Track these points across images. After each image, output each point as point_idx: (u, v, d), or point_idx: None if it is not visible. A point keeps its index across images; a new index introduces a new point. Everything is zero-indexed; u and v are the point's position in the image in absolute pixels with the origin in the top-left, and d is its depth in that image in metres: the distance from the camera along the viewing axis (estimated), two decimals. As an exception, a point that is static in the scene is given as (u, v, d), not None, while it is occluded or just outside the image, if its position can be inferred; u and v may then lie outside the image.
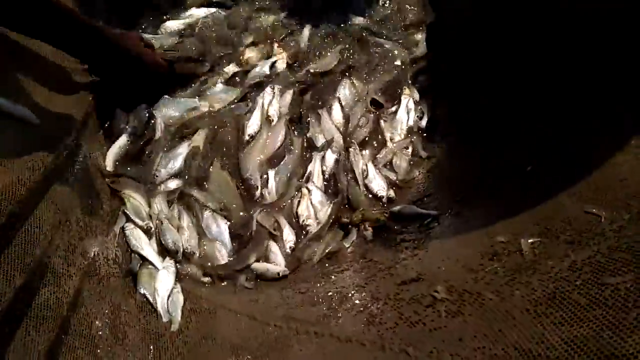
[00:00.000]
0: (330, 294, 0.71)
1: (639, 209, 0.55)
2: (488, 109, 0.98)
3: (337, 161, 1.02)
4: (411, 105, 1.12)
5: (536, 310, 0.48)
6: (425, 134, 1.09)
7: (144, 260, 0.83)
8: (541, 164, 0.78)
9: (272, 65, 1.15)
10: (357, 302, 0.67)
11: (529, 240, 0.61)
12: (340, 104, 1.10)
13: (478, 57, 1.03)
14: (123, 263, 0.81)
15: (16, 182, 0.63)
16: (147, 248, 0.84)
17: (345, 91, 1.13)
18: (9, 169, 0.65)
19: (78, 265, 0.70)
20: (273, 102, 1.07)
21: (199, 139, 1.02)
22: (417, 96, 1.15)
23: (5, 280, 0.56)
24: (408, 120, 1.10)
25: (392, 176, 1.03)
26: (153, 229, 0.86)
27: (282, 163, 1.01)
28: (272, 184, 0.98)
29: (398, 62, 1.21)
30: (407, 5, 1.29)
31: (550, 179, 0.74)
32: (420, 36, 1.24)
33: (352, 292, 0.69)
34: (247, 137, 1.02)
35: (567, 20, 0.77)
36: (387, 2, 1.31)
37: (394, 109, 1.13)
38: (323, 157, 1.02)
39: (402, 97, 1.13)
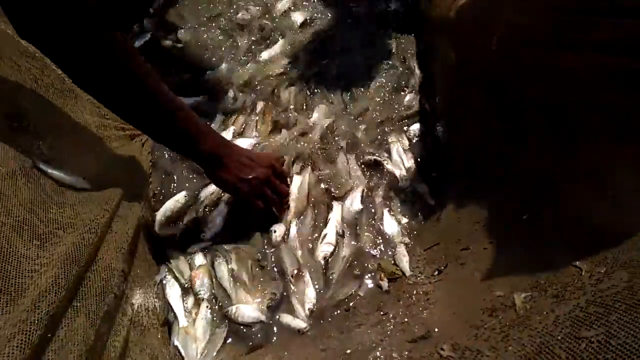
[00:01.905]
0: (349, 352, 0.79)
1: (613, 263, 0.63)
2: (490, 153, 1.07)
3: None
4: (401, 151, 1.22)
5: (524, 366, 0.55)
6: (429, 181, 1.18)
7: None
8: (536, 214, 0.86)
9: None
10: (373, 360, 0.75)
11: (522, 295, 0.68)
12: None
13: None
14: (161, 314, 0.90)
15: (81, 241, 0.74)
16: (177, 303, 0.93)
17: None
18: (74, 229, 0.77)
19: (128, 315, 0.79)
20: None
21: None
22: (406, 142, 1.25)
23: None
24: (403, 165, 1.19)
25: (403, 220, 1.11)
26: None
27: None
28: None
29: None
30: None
31: (543, 230, 0.82)
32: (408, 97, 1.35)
33: (369, 350, 0.77)
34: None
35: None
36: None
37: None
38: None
39: (391, 145, 1.24)
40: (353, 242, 1.06)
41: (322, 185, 1.17)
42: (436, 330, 0.74)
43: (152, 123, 0.88)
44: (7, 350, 0.52)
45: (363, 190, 1.14)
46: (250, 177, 0.96)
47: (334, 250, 1.04)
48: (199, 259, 1.00)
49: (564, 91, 0.86)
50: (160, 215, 1.08)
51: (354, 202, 1.11)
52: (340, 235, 1.06)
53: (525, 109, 0.95)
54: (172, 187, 1.17)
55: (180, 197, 1.11)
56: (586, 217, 0.76)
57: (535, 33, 0.87)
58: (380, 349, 0.75)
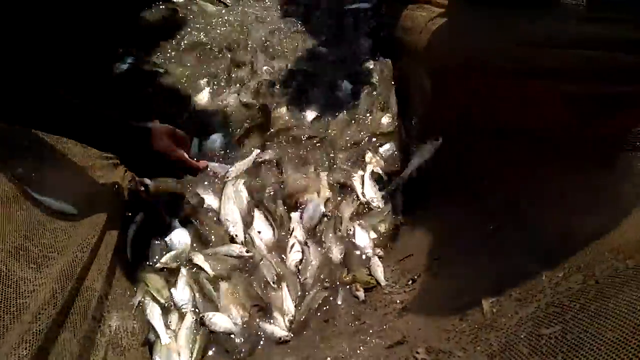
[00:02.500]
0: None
1: (570, 268, 0.69)
2: (460, 171, 1.14)
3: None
4: (377, 169, 1.28)
5: (491, 362, 0.61)
6: (403, 198, 1.24)
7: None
8: (502, 225, 0.93)
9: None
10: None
11: (489, 300, 0.74)
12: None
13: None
14: (140, 334, 0.90)
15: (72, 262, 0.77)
16: (158, 322, 0.93)
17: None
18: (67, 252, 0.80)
19: (106, 337, 0.80)
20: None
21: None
22: (381, 162, 1.31)
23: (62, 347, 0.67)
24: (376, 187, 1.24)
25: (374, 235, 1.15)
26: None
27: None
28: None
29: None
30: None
31: (506, 241, 0.88)
32: (385, 118, 1.42)
33: (349, 357, 0.81)
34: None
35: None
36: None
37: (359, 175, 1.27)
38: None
39: (367, 164, 1.29)
40: (319, 249, 1.11)
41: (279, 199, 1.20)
42: (411, 335, 0.78)
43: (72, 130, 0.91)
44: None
45: (327, 200, 1.19)
46: (161, 158, 0.99)
47: (302, 257, 1.08)
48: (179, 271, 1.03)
49: (523, 115, 0.94)
50: (129, 240, 1.07)
51: (315, 211, 1.16)
52: (305, 244, 1.11)
53: (489, 132, 1.03)
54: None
55: (138, 219, 1.12)
56: (545, 228, 0.83)
57: (496, 62, 0.95)
58: (359, 356, 0.79)
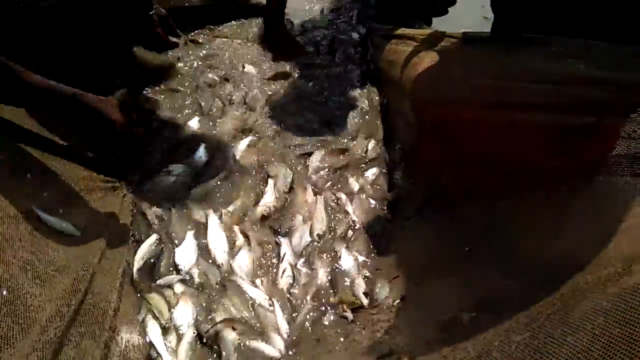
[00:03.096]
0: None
1: (539, 282, 0.77)
2: (439, 197, 1.23)
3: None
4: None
5: (469, 367, 0.67)
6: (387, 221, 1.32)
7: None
8: (478, 246, 1.01)
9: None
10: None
11: (468, 315, 0.81)
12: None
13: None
14: (144, 350, 0.95)
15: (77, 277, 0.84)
16: (159, 341, 0.97)
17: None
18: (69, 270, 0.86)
19: (120, 347, 0.87)
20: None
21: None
22: (366, 186, 1.37)
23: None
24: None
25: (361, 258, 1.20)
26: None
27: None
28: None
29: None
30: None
31: (484, 260, 0.96)
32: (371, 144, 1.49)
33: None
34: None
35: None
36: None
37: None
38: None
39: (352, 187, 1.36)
40: (308, 271, 1.16)
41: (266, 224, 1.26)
42: (397, 347, 0.85)
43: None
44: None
45: (311, 225, 1.25)
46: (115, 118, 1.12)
47: (294, 281, 1.13)
48: (178, 287, 1.08)
49: (496, 144, 1.04)
50: (137, 260, 1.12)
51: (303, 236, 1.22)
52: (295, 267, 1.16)
53: (466, 161, 1.12)
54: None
55: (152, 240, 1.18)
56: (516, 249, 0.92)
57: (470, 96, 1.05)
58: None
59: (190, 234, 1.18)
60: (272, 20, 1.64)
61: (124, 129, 1.14)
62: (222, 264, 1.15)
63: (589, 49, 0.96)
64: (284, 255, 1.17)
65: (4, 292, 0.71)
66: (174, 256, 1.14)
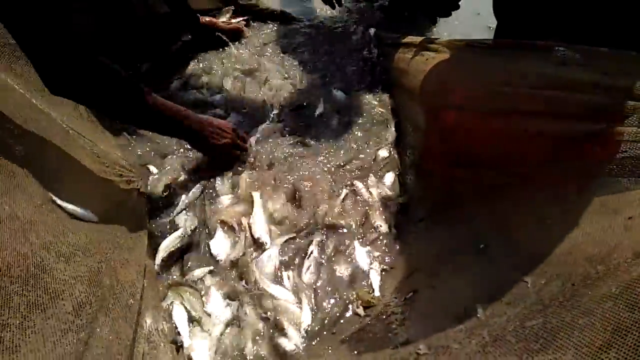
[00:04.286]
0: None
1: (550, 275, 0.80)
2: (451, 198, 1.26)
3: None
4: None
5: (484, 350, 0.70)
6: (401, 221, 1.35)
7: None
8: (491, 244, 1.04)
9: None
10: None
11: (482, 305, 0.85)
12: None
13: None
14: (169, 334, 0.99)
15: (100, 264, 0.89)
16: (184, 328, 1.02)
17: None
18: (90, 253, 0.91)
19: (145, 330, 0.91)
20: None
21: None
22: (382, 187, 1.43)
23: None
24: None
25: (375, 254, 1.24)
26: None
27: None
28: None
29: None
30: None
31: (497, 256, 1.00)
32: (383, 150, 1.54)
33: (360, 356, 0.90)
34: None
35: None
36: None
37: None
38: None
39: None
40: (329, 269, 1.20)
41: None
42: (412, 337, 0.88)
43: (144, 118, 1.22)
44: (64, 341, 0.63)
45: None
46: (225, 140, 1.37)
47: (318, 276, 1.18)
48: (208, 279, 1.13)
49: (504, 149, 1.09)
50: (160, 253, 1.17)
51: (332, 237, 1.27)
52: (321, 264, 1.21)
53: (475, 163, 1.16)
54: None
55: (178, 234, 1.22)
56: (528, 245, 0.95)
57: (480, 102, 1.10)
58: (367, 356, 0.88)
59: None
60: None
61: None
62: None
63: (594, 55, 1.00)
64: (310, 253, 1.22)
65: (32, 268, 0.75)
66: (207, 246, 1.20)
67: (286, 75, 1.83)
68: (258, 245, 1.22)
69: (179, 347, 0.98)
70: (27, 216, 0.83)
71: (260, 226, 1.25)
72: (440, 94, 1.28)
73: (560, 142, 1.01)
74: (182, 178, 1.39)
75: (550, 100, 1.03)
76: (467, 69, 1.23)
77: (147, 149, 1.49)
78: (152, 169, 1.42)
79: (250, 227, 1.25)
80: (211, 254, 1.20)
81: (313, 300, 1.12)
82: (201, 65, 1.85)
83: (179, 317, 1.02)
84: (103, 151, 1.25)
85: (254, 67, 1.84)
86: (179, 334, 1.00)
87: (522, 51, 1.11)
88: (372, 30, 1.99)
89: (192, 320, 1.04)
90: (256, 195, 1.33)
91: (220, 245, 1.21)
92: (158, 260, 1.16)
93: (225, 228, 1.26)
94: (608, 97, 0.95)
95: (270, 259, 1.19)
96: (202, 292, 1.10)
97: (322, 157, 1.50)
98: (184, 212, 1.29)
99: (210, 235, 1.24)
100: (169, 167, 1.42)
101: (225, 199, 1.34)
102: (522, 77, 1.07)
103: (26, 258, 0.75)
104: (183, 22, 1.81)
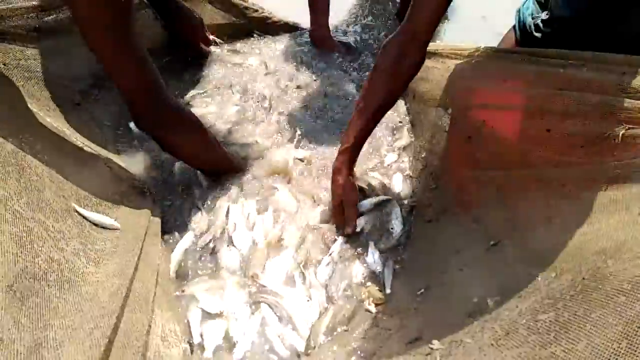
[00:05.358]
0: (353, 358, 0.93)
1: (560, 269, 0.82)
2: (462, 198, 1.28)
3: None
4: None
5: (497, 344, 0.72)
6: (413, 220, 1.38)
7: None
8: (502, 241, 1.06)
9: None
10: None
11: (493, 299, 0.86)
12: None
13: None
14: (181, 335, 1.00)
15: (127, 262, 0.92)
16: (196, 329, 1.03)
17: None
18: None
19: (159, 327, 0.93)
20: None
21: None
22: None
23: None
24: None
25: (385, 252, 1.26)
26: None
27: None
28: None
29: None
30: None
31: (508, 253, 1.01)
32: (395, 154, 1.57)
33: (371, 354, 0.91)
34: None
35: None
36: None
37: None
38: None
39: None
40: (343, 267, 1.22)
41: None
42: (426, 332, 0.89)
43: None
44: (95, 334, 0.66)
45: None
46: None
47: (332, 273, 1.20)
48: (226, 276, 1.15)
49: (517, 149, 1.10)
50: (174, 259, 1.19)
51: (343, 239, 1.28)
52: (335, 263, 1.23)
53: (488, 163, 1.18)
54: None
55: (192, 235, 1.25)
56: (538, 242, 0.96)
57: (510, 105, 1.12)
58: (381, 352, 0.90)
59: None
60: None
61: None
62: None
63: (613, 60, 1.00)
64: (331, 252, 1.24)
65: (66, 273, 0.78)
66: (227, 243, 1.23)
67: (299, 81, 1.86)
68: (274, 244, 1.24)
69: (192, 349, 1.00)
70: (57, 226, 0.87)
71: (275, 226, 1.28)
72: (470, 94, 1.30)
73: (582, 143, 1.01)
74: (193, 181, 1.41)
75: (574, 102, 1.03)
76: (492, 72, 1.24)
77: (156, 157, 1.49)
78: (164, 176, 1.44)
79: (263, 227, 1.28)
80: (229, 253, 1.21)
81: (325, 298, 1.14)
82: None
83: (194, 318, 1.04)
84: (116, 164, 1.27)
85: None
86: (192, 335, 1.02)
87: (547, 57, 1.12)
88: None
89: (206, 318, 1.06)
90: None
91: (238, 243, 1.23)
92: (173, 261, 1.19)
93: (240, 227, 1.28)
94: (628, 99, 0.95)
95: (286, 257, 1.22)
96: (218, 291, 1.12)
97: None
98: (199, 213, 1.31)
99: (226, 235, 1.26)
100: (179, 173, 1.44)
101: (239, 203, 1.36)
102: (545, 78, 1.08)
103: (59, 264, 0.79)
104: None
